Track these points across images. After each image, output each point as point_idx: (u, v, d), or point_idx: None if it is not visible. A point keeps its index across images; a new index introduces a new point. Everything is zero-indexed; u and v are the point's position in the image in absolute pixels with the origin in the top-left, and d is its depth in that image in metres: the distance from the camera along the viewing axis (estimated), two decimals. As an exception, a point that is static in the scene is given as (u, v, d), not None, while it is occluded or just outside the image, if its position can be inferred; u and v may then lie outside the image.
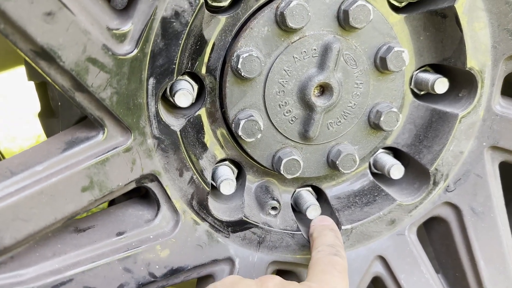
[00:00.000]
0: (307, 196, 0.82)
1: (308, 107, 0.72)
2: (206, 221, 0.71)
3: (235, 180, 0.75)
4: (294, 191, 0.83)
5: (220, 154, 0.75)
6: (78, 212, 0.58)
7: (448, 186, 0.79)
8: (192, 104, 0.70)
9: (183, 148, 0.66)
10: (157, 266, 0.64)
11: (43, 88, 0.93)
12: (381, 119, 0.74)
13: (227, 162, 0.78)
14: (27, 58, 0.52)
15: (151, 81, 0.60)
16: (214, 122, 0.73)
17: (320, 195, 0.85)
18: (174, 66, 0.61)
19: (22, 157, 0.56)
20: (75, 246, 0.59)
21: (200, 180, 0.69)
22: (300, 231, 0.77)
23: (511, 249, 0.79)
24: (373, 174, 0.84)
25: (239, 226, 0.73)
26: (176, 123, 0.66)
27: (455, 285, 0.83)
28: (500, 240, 0.78)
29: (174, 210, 0.68)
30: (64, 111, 0.86)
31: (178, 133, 0.65)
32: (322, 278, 0.60)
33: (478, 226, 0.78)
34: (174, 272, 0.66)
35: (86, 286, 0.57)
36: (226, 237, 0.72)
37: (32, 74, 0.90)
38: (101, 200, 0.60)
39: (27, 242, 0.56)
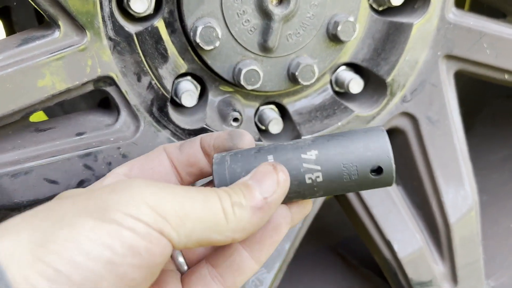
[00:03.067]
0: (270, 113, 0.84)
1: (266, 16, 0.73)
2: (168, 128, 0.72)
3: (197, 92, 0.77)
4: (258, 109, 0.85)
5: (181, 67, 0.76)
6: (36, 107, 0.59)
7: (404, 97, 0.81)
8: (150, 15, 0.71)
9: (140, 51, 0.67)
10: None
11: (7, 13, 0.93)
12: (338, 29, 0.76)
13: (189, 78, 0.79)
14: None
15: (104, -22, 0.61)
16: (173, 33, 0.73)
17: (283, 113, 0.87)
18: (126, -36, 0.62)
19: (-24, 50, 0.57)
20: (34, 142, 0.61)
21: (159, 86, 0.70)
22: (261, 141, 0.80)
23: (465, 154, 0.83)
24: (336, 94, 0.86)
25: (200, 134, 0.75)
26: (132, 28, 0.67)
27: (413, 194, 0.87)
28: (454, 146, 0.81)
29: (134, 116, 0.69)
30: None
31: (134, 35, 0.66)
32: None
33: (434, 133, 0.81)
34: (136, 174, 0.68)
35: (47, 178, 0.59)
36: (188, 144, 0.74)
37: (-7, -1, 0.90)
38: (58, 98, 0.61)
39: (-16, 132, 0.57)
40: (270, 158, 0.51)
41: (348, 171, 0.50)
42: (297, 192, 0.51)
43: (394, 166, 0.51)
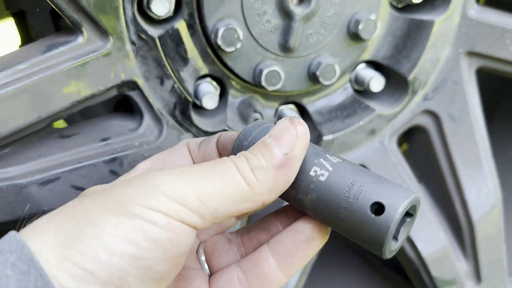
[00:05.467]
0: (289, 113, 0.84)
1: (287, 16, 0.72)
2: (190, 131, 0.72)
3: (217, 94, 0.76)
4: (277, 109, 0.84)
5: (201, 69, 0.75)
6: (61, 114, 0.59)
7: (426, 95, 0.80)
8: (170, 18, 0.71)
9: (163, 55, 0.67)
10: (143, 171, 0.66)
11: (22, 17, 0.92)
12: (360, 27, 0.75)
13: (209, 79, 0.78)
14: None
15: (126, -18, 0.60)
16: (193, 35, 0.73)
17: (303, 113, 0.86)
18: (148, -32, 0.61)
19: (3, 58, 0.57)
20: (60, 149, 0.60)
21: (182, 89, 0.70)
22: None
23: (487, 151, 0.82)
24: (357, 92, 0.86)
25: (223, 136, 0.74)
26: (154, 31, 0.67)
27: (436, 193, 0.86)
28: (476, 144, 0.81)
29: (158, 120, 0.69)
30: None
31: (157, 39, 0.66)
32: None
33: (456, 131, 0.80)
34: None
35: (73, 185, 0.59)
36: (210, 147, 0.74)
37: (9, 3, 0.90)
38: (84, 103, 0.60)
39: (12, 139, 0.57)
40: None
41: (350, 191, 0.44)
42: (293, 184, 0.47)
43: (394, 226, 0.43)
